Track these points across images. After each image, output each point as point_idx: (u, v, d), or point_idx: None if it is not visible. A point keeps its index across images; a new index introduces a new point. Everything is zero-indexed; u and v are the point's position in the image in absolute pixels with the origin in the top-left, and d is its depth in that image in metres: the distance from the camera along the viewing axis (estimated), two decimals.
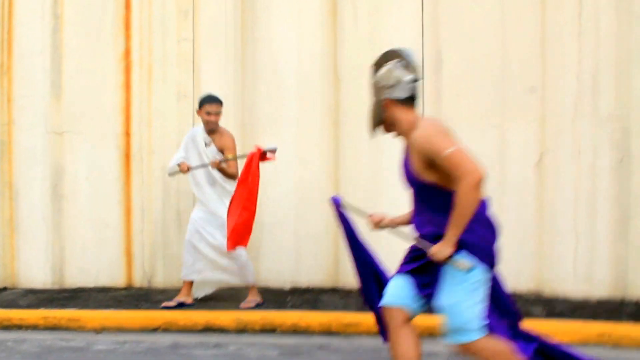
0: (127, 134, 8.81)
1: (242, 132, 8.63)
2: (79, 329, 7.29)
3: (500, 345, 4.13)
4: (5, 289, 8.91)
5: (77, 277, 8.93)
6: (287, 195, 8.54)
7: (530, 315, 6.94)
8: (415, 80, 4.42)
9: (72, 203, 8.82)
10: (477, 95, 8.15)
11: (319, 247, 8.52)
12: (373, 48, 8.24)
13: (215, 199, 7.77)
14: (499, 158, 8.01)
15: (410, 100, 4.39)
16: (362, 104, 8.19)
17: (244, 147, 8.41)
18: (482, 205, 4.26)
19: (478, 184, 3.97)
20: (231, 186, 7.60)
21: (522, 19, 8.05)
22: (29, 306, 7.87)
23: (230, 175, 7.68)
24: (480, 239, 4.16)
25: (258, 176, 7.36)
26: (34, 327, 7.34)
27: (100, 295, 8.31)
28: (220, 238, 7.56)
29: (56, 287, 8.90)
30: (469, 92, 8.15)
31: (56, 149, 8.80)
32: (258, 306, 7.62)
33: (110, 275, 8.85)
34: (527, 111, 7.98)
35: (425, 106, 8.06)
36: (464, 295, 4.10)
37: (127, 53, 8.83)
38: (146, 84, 8.79)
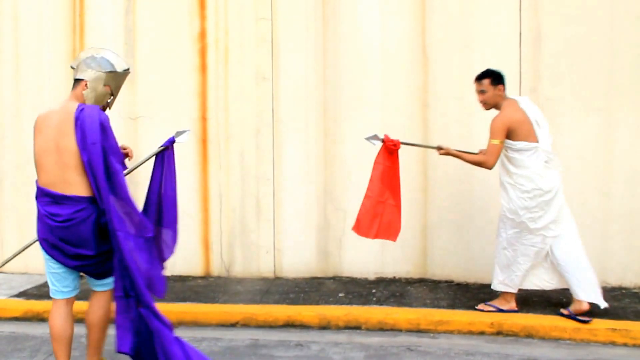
0: (204, 118, 8.49)
1: (325, 115, 8.29)
2: None
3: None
4: None
5: None
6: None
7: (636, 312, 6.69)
8: None
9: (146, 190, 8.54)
10: (580, 76, 7.67)
11: (404, 236, 8.09)
12: (465, 25, 7.86)
13: None
14: (604, 144, 7.59)
15: None
16: (452, 84, 7.83)
17: (326, 132, 8.07)
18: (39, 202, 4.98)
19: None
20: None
21: None
22: None
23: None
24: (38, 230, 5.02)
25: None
26: None
27: (177, 285, 8.06)
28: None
29: None
30: (572, 72, 7.66)
31: (131, 134, 8.53)
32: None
33: (188, 264, 8.58)
34: (638, 94, 7.43)
35: (523, 87, 7.62)
36: None
37: (203, 34, 8.50)
38: (223, 66, 8.45)
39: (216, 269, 8.59)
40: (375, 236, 6.87)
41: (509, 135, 6.55)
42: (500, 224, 6.83)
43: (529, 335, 6.41)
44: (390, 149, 6.84)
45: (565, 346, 6.20)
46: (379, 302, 7.24)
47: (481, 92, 6.71)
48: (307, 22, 8.32)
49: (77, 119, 4.85)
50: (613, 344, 6.19)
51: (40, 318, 7.21)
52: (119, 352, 5.00)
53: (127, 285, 4.93)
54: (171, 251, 5.50)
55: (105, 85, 5.14)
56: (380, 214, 6.83)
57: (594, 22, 7.57)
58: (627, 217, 7.59)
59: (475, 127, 7.67)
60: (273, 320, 6.90)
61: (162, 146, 5.51)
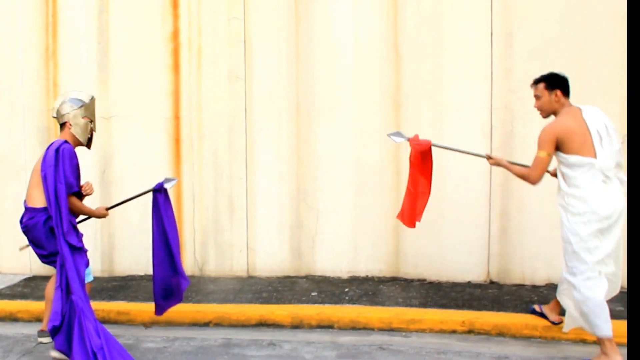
0: (177, 117, 8.49)
1: (298, 115, 8.30)
2: (128, 322, 7.10)
3: None
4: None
5: (127, 265, 8.74)
6: (345, 182, 8.19)
7: None
8: None
9: (120, 189, 8.52)
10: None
11: (378, 235, 8.17)
12: (437, 24, 7.90)
13: None
14: None
15: None
16: (425, 83, 7.86)
17: (299, 132, 8.09)
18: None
19: None
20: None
21: None
22: None
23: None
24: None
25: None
26: None
27: (150, 285, 8.02)
28: None
29: (106, 275, 8.70)
30: (543, 72, 7.69)
31: (104, 134, 8.50)
32: None
33: None
34: (608, 91, 7.49)
35: (494, 85, 7.68)
36: None
37: (176, 34, 8.50)
38: (196, 66, 8.45)
39: (189, 268, 8.57)
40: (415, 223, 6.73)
41: (560, 147, 5.83)
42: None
43: (500, 334, 6.47)
44: (417, 149, 6.49)
45: (536, 344, 6.27)
46: (352, 301, 7.27)
47: (536, 97, 6.12)
48: (280, 22, 8.32)
49: (47, 149, 5.99)
50: (584, 342, 6.25)
51: (13, 318, 7.20)
52: (49, 330, 5.67)
53: (62, 279, 5.70)
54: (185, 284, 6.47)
55: (83, 117, 6.22)
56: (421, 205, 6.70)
57: (565, 23, 7.64)
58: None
59: (447, 127, 7.75)
60: (246, 319, 6.92)
61: (150, 189, 6.35)
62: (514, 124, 7.73)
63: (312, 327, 6.78)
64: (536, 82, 6.14)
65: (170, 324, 6.98)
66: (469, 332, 6.54)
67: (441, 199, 7.90)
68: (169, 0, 8.47)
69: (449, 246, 7.97)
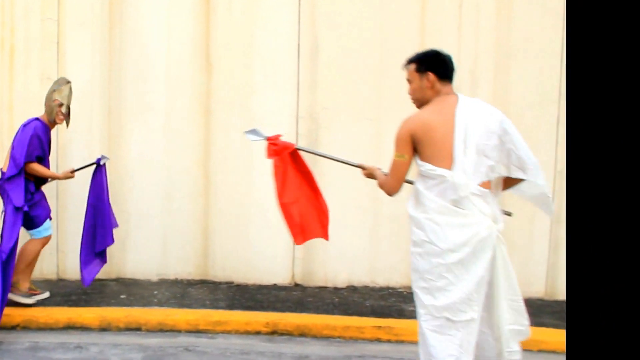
0: None
1: (109, 118, 8.34)
2: None
3: None
4: None
5: None
6: (155, 185, 8.31)
7: None
8: None
9: None
10: (353, 86, 8.11)
11: (186, 238, 8.35)
12: (247, 33, 8.14)
13: None
14: (375, 151, 7.92)
15: None
16: (235, 91, 8.11)
17: (110, 135, 8.14)
18: None
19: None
20: None
21: (403, 8, 8.06)
22: None
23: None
24: None
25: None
26: None
27: None
28: None
29: None
30: (346, 82, 8.11)
31: None
32: None
33: None
34: (405, 104, 7.95)
35: (300, 94, 8.02)
36: None
37: None
38: (7, 66, 8.35)
39: None
40: (306, 239, 6.02)
41: (417, 149, 4.58)
42: None
43: (302, 334, 6.77)
44: (273, 151, 5.78)
45: (336, 344, 6.60)
46: (160, 304, 7.41)
47: (408, 81, 4.82)
48: (94, 24, 8.33)
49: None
50: (379, 340, 6.64)
51: None
52: None
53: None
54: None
55: (54, 100, 7.21)
56: (299, 215, 5.92)
57: (365, 38, 8.05)
58: (394, 220, 8.01)
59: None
60: (54, 322, 6.92)
61: (91, 163, 7.44)
62: (318, 133, 8.10)
63: (120, 330, 6.87)
64: (408, 62, 4.80)
65: None
66: (273, 333, 6.80)
67: (249, 203, 8.17)
68: None
69: (255, 250, 8.24)
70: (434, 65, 4.65)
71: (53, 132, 7.55)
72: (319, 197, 6.08)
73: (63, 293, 7.76)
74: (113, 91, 8.34)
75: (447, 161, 4.40)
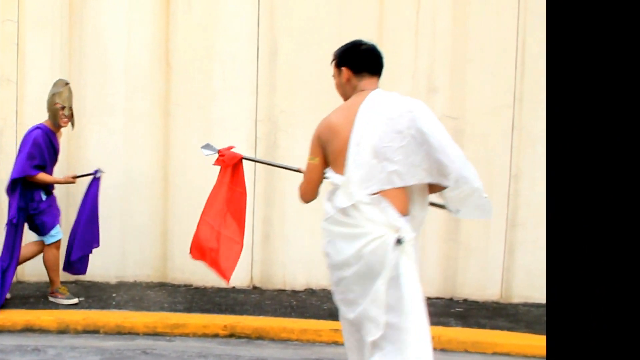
0: None
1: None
2: None
3: None
4: None
5: None
6: (114, 187, 8.26)
7: None
8: None
9: None
10: (311, 90, 8.15)
11: (145, 241, 8.37)
12: (207, 36, 8.19)
13: None
14: None
15: None
16: (194, 93, 8.15)
17: (69, 136, 8.13)
18: None
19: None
20: None
21: (360, 12, 8.13)
22: None
23: None
24: None
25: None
26: None
27: None
28: None
29: None
30: (304, 85, 8.17)
31: None
32: None
33: None
34: None
35: (259, 97, 8.07)
36: None
37: None
38: None
39: None
40: (201, 259, 5.68)
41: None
42: None
43: (260, 337, 6.82)
44: (223, 163, 5.52)
45: (293, 347, 6.66)
46: (119, 306, 7.43)
47: (333, 77, 4.56)
48: (54, 26, 8.31)
49: None
50: (336, 343, 6.63)
51: None
52: None
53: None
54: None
55: (55, 103, 7.27)
56: (207, 241, 5.57)
57: (323, 42, 8.02)
58: None
59: (215, 137, 7.89)
60: (11, 324, 6.91)
61: (89, 173, 7.63)
62: (277, 136, 8.16)
63: (78, 333, 6.88)
64: (333, 58, 4.51)
65: None
66: (231, 335, 6.85)
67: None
68: None
69: None
70: (347, 59, 4.34)
71: None
72: (240, 232, 5.59)
73: (22, 295, 7.73)
74: (72, 92, 8.28)
75: (338, 164, 4.11)
